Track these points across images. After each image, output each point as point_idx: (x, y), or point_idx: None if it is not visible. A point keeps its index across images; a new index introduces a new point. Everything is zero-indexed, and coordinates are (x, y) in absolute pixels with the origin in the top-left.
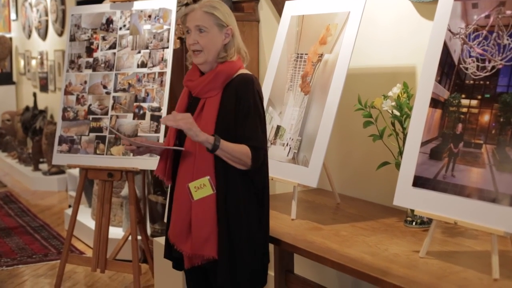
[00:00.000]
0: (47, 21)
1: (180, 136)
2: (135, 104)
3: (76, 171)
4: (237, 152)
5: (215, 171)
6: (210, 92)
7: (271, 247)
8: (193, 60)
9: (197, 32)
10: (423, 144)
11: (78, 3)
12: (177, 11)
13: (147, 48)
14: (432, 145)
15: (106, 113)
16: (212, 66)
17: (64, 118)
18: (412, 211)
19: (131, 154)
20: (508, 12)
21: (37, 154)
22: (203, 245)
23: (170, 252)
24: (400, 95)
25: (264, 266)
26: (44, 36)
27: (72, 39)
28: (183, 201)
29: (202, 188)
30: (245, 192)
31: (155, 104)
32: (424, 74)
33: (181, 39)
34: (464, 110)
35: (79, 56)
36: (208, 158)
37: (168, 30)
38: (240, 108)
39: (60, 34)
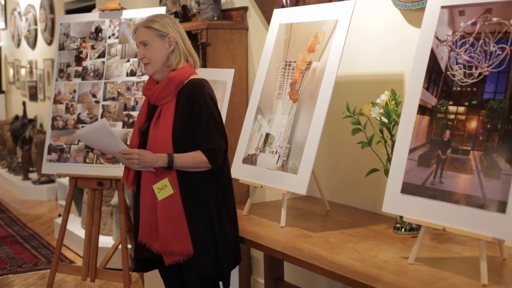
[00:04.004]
0: (36, 30)
1: (143, 136)
2: (124, 112)
3: (66, 180)
4: (192, 162)
5: (176, 171)
6: (165, 99)
7: (260, 254)
8: (145, 72)
9: (142, 47)
10: (411, 151)
11: (67, 12)
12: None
13: (136, 56)
14: (420, 152)
15: None
16: (164, 74)
17: (53, 127)
18: (401, 217)
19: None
20: (495, 19)
21: (27, 163)
22: (172, 242)
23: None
24: (388, 102)
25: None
26: (33, 45)
27: (61, 48)
28: (149, 203)
29: (164, 188)
30: (209, 187)
31: None
32: (412, 81)
33: None
34: (452, 116)
35: (68, 65)
36: None
37: None
38: (193, 112)
39: (50, 43)
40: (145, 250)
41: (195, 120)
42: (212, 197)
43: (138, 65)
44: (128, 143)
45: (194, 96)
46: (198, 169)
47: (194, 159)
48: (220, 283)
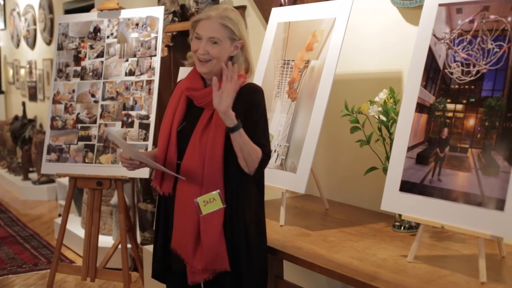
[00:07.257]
0: (35, 30)
1: (180, 150)
2: (123, 112)
3: (65, 180)
4: (251, 147)
5: (224, 184)
6: None
7: None
8: (198, 68)
9: (209, 43)
10: (410, 149)
11: (66, 12)
12: (164, 19)
13: (134, 56)
14: (419, 150)
15: (95, 122)
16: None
17: (52, 127)
18: (400, 215)
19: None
20: (492, 16)
21: (27, 164)
22: (215, 259)
23: (164, 266)
24: (386, 101)
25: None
26: (32, 45)
27: (60, 48)
28: (189, 216)
29: (211, 202)
30: (251, 202)
31: (143, 112)
32: (410, 79)
33: (168, 47)
34: (450, 114)
35: (67, 65)
36: (218, 171)
37: (156, 38)
38: (252, 116)
39: (49, 43)
40: (178, 262)
41: (253, 124)
42: (255, 212)
43: (137, 64)
44: (127, 140)
45: (255, 102)
46: (246, 159)
47: (254, 147)
48: None
